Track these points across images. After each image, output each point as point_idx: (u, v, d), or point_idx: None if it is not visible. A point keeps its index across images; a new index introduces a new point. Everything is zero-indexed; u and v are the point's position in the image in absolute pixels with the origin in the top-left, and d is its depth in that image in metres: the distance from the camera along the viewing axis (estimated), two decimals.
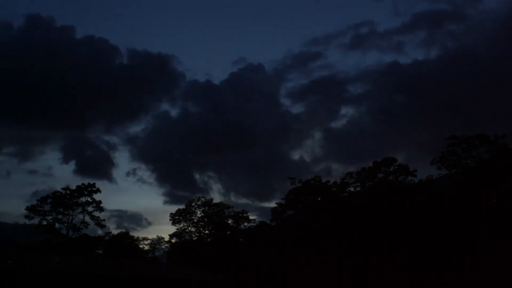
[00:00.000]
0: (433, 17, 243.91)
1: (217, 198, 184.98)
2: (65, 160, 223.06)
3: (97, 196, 79.19)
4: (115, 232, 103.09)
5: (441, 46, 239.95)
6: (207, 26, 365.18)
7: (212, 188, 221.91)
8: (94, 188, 78.80)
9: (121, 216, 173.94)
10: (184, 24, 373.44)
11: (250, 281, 76.17)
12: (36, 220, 75.49)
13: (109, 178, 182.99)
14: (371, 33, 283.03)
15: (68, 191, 77.65)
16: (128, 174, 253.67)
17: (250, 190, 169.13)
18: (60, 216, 76.59)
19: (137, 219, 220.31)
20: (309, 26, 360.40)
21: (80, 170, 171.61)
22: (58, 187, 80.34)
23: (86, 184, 78.69)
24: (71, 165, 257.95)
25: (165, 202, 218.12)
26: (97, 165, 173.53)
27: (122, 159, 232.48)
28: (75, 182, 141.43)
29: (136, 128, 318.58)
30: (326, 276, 65.52)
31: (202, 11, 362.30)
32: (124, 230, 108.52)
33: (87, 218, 78.43)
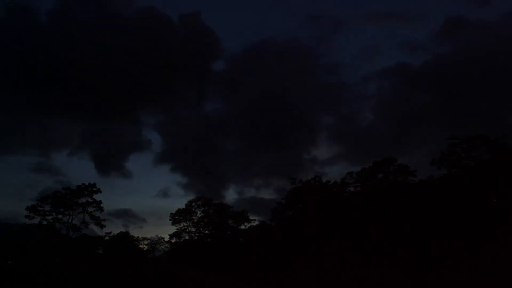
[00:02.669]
0: (438, 19, 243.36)
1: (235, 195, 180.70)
2: (80, 153, 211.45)
3: (98, 196, 79.35)
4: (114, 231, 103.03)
5: (446, 47, 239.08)
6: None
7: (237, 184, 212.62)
8: (94, 188, 79.09)
9: (130, 214, 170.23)
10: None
11: (250, 281, 76.20)
12: (36, 220, 75.66)
13: (126, 174, 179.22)
14: (377, 34, 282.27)
15: (68, 191, 77.94)
16: (149, 171, 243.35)
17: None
18: (60, 216, 76.78)
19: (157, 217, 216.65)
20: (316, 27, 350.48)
21: (100, 166, 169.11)
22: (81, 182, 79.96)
23: (87, 184, 78.93)
24: (86, 160, 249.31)
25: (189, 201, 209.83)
26: (116, 159, 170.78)
27: (145, 153, 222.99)
28: (95, 179, 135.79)
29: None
30: (326, 276, 65.54)
31: None
32: (124, 230, 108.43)
33: (87, 218, 78.55)
